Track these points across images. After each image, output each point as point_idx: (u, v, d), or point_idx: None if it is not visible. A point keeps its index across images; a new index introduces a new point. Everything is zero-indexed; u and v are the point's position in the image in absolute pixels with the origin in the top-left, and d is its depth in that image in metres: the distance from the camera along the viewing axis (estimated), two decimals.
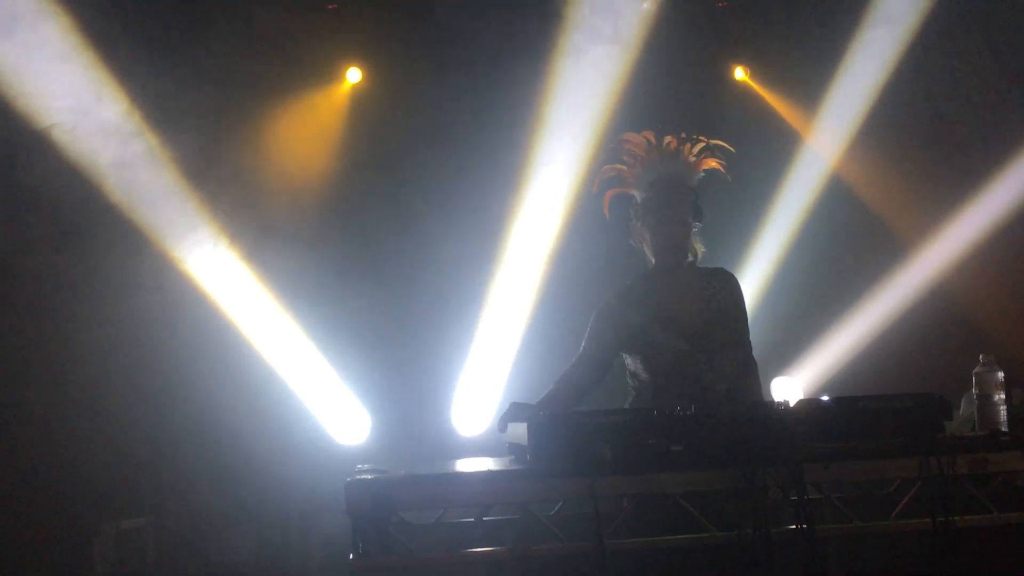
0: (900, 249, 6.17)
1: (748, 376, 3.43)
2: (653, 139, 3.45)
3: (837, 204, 6.17)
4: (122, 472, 5.27)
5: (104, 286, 5.42)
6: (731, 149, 3.50)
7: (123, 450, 5.26)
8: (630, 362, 3.47)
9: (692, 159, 3.45)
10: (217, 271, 5.57)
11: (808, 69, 6.19)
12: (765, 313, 5.68)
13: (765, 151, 6.16)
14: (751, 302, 5.72)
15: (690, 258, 3.47)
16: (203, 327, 5.54)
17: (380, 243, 5.91)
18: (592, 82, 5.74)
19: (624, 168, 3.48)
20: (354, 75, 5.95)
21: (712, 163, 3.48)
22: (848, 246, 6.20)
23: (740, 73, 6.38)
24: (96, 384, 5.32)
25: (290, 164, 5.82)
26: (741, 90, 6.35)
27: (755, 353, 3.48)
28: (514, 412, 3.11)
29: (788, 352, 6.01)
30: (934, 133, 6.18)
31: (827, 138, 6.25)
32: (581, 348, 3.48)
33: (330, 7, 5.81)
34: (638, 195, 3.46)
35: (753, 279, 6.03)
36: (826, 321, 6.13)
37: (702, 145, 3.47)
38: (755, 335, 3.48)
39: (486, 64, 5.83)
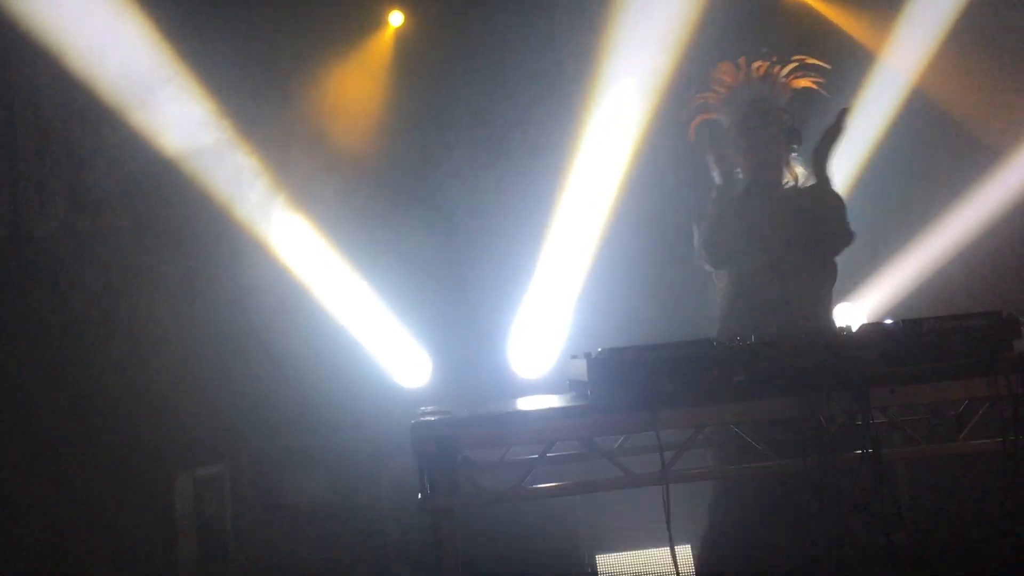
0: (975, 166, 5.91)
1: (825, 299, 3.44)
2: (744, 64, 3.49)
3: (911, 120, 5.91)
4: (197, 422, 5.43)
5: (173, 242, 5.56)
6: (827, 67, 3.49)
7: (196, 401, 5.43)
8: (714, 271, 3.52)
9: (782, 80, 3.45)
10: (276, 223, 5.63)
11: None
12: None
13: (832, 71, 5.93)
14: None
15: (788, 181, 3.47)
16: (266, 278, 5.63)
17: (436, 187, 5.90)
18: (646, 20, 5.58)
19: (712, 95, 3.53)
20: (396, 18, 5.87)
21: (804, 82, 3.50)
22: (921, 166, 5.98)
23: None
24: (168, 341, 5.48)
25: (342, 114, 5.82)
26: (800, 9, 6.10)
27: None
28: None
29: (855, 277, 5.89)
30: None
31: (900, 49, 5.95)
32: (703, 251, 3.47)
33: None
34: (725, 120, 3.50)
35: None
36: (896, 244, 5.97)
37: (794, 65, 3.45)
38: None
39: (536, 9, 5.72)
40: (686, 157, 3.66)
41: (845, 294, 5.85)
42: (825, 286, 3.48)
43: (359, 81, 5.88)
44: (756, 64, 3.49)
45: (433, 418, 2.74)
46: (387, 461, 5.54)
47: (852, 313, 5.79)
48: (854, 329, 2.81)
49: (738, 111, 3.46)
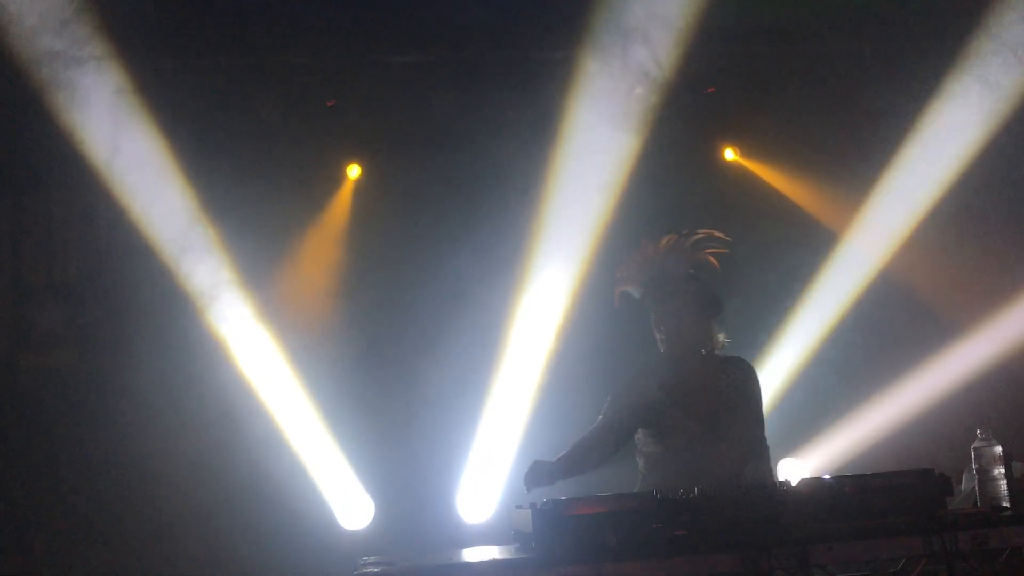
0: (929, 339, 6.10)
1: (757, 459, 3.51)
2: (650, 240, 3.67)
3: (874, 295, 6.13)
4: (130, 555, 5.28)
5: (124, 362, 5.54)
6: (726, 238, 3.64)
7: (127, 534, 5.30)
8: (642, 439, 3.56)
9: (685, 251, 3.62)
10: (235, 345, 5.64)
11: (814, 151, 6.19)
12: (781, 397, 5.78)
13: (782, 237, 6.14)
14: (770, 388, 5.68)
15: (706, 350, 3.58)
16: (215, 407, 5.59)
17: (388, 330, 5.98)
18: (592, 173, 5.82)
19: (623, 268, 3.70)
20: (354, 171, 6.11)
21: (704, 256, 3.64)
22: (874, 335, 6.16)
23: (731, 154, 6.37)
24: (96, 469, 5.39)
25: (303, 257, 5.99)
26: (742, 174, 6.38)
27: (770, 436, 3.59)
28: (536, 472, 3.30)
29: (799, 435, 5.99)
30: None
31: (865, 231, 6.15)
32: (599, 419, 3.57)
33: (329, 104, 5.97)
34: (636, 293, 3.65)
35: (770, 364, 6.02)
36: (844, 406, 6.10)
37: (698, 237, 3.64)
38: (771, 418, 3.57)
39: (484, 155, 5.97)
40: (620, 317, 3.80)
41: (789, 450, 5.95)
42: (757, 444, 3.55)
43: (324, 230, 6.08)
44: (666, 238, 3.66)
45: (376, 569, 2.71)
46: None
47: (795, 468, 5.86)
48: (793, 484, 2.87)
49: (648, 285, 3.61)
